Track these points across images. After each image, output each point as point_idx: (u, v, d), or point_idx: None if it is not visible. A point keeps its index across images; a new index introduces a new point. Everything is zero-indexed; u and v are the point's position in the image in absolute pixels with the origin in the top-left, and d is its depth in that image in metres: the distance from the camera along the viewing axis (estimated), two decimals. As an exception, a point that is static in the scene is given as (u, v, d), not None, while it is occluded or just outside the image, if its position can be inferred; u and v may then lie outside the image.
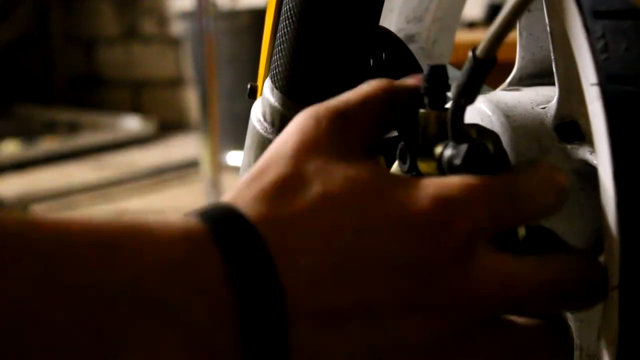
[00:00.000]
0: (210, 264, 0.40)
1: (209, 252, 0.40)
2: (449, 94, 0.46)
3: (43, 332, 0.37)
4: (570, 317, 0.56)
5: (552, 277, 0.45)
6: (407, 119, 0.48)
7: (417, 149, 0.48)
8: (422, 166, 0.48)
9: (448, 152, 0.45)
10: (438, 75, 0.47)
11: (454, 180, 0.44)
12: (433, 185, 0.44)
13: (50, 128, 3.74)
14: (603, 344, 0.48)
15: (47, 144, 3.50)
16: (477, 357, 0.44)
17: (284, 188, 0.43)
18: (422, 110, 0.47)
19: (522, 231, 0.47)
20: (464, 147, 0.45)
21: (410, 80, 0.49)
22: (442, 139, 0.47)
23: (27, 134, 3.57)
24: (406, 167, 0.49)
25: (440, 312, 0.43)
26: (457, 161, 0.45)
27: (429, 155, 0.47)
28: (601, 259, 0.52)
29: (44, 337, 0.37)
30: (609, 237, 0.47)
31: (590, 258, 0.47)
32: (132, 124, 3.71)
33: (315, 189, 0.43)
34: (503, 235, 0.46)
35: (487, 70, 0.45)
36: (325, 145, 0.44)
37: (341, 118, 0.46)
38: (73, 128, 3.75)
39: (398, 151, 0.50)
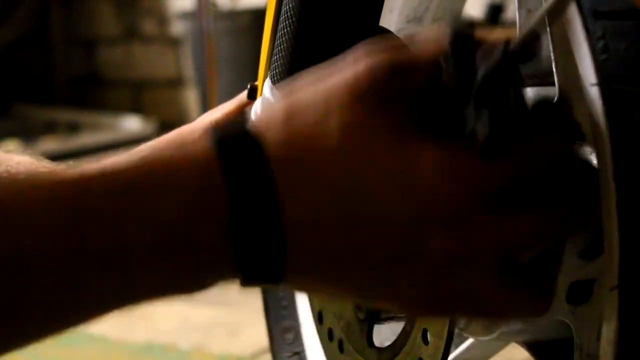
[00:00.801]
0: (219, 198, 0.44)
1: (218, 187, 0.44)
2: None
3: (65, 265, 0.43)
4: (570, 317, 0.56)
5: (541, 232, 0.47)
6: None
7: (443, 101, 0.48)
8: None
9: (471, 121, 0.46)
10: (464, 44, 0.47)
11: (457, 146, 0.46)
12: (440, 149, 0.45)
13: (50, 128, 3.73)
14: (603, 344, 0.48)
15: (47, 144, 3.49)
16: (470, 310, 0.47)
17: (314, 130, 0.45)
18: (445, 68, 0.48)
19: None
20: (485, 119, 0.45)
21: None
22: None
23: (27, 134, 3.56)
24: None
25: (427, 267, 0.45)
26: (481, 132, 0.45)
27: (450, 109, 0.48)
28: (600, 258, 0.52)
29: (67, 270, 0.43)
30: (609, 238, 0.47)
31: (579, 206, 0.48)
32: (132, 124, 3.71)
33: (340, 136, 0.45)
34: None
35: (517, 63, 0.46)
36: (365, 95, 0.46)
37: (391, 73, 0.47)
38: (73, 128, 3.75)
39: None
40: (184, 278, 0.46)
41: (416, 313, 0.49)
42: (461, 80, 0.47)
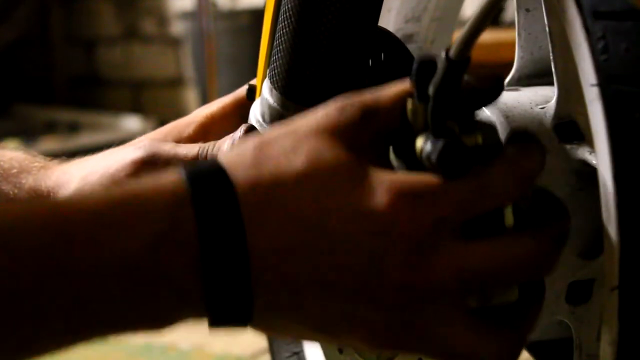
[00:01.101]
0: (188, 233, 0.44)
1: (189, 223, 0.44)
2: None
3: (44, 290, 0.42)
4: (570, 317, 0.56)
5: (504, 262, 0.46)
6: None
7: (409, 139, 0.49)
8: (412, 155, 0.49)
9: (427, 148, 0.46)
10: (425, 69, 0.47)
11: (416, 178, 0.46)
12: (400, 181, 0.46)
13: (50, 128, 3.74)
14: (603, 344, 0.48)
15: (47, 144, 3.49)
16: (430, 351, 0.47)
17: (280, 164, 0.46)
18: (409, 103, 0.48)
19: (509, 217, 0.48)
20: (440, 144, 0.45)
21: None
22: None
23: (27, 134, 3.56)
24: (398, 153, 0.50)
25: (387, 299, 0.45)
26: (433, 157, 0.46)
27: (416, 145, 0.48)
28: (601, 259, 0.52)
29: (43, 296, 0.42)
30: (608, 237, 0.46)
31: (545, 238, 0.47)
32: (132, 124, 3.71)
33: (304, 168, 0.46)
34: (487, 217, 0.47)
35: (461, 71, 0.46)
36: (336, 137, 0.47)
37: (366, 117, 0.48)
38: (73, 128, 3.75)
39: (392, 148, 0.50)
40: (151, 312, 0.45)
41: (380, 348, 0.48)
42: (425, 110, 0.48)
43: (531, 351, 0.62)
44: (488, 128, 0.48)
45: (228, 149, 0.63)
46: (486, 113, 0.55)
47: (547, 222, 0.48)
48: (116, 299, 0.44)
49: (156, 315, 0.46)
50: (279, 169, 0.46)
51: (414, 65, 0.48)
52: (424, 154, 0.47)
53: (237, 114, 0.71)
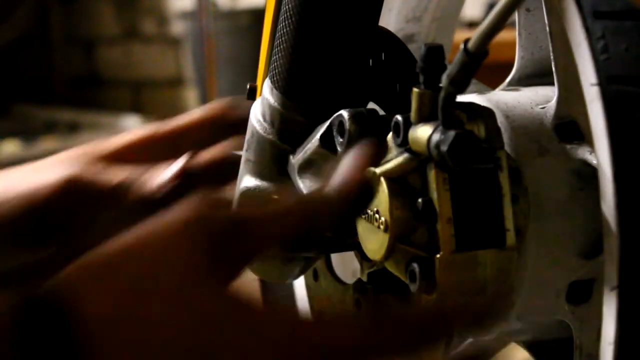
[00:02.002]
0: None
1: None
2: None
3: None
4: (569, 317, 0.56)
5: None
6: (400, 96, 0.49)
7: (410, 125, 0.49)
8: (413, 143, 0.48)
9: (436, 137, 0.46)
10: (434, 56, 0.48)
11: (167, 217, 0.44)
12: (155, 229, 0.44)
13: (50, 128, 3.73)
14: (603, 343, 0.48)
15: (47, 144, 3.49)
16: None
17: (127, 291, 0.42)
18: (416, 90, 0.48)
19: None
20: (451, 135, 0.45)
21: (334, 196, 0.48)
22: (434, 118, 0.47)
23: (27, 134, 3.56)
24: (399, 140, 0.50)
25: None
26: (444, 148, 0.45)
27: (419, 133, 0.48)
28: (601, 259, 0.52)
29: None
30: (608, 237, 0.46)
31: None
32: (132, 124, 3.71)
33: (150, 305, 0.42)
34: None
35: (478, 63, 0.46)
36: (191, 265, 0.43)
37: (232, 229, 0.45)
38: (73, 128, 3.75)
39: (392, 123, 0.51)
40: None
41: None
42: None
43: (531, 351, 0.62)
44: (488, 114, 0.49)
45: (155, 186, 0.60)
46: (483, 106, 0.56)
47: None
48: None
49: None
50: (122, 302, 0.42)
51: (422, 51, 0.48)
52: (432, 143, 0.47)
53: (200, 131, 0.67)
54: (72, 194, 0.62)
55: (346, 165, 0.49)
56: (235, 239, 0.45)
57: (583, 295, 0.56)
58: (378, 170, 0.50)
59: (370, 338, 0.44)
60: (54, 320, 0.41)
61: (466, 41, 0.46)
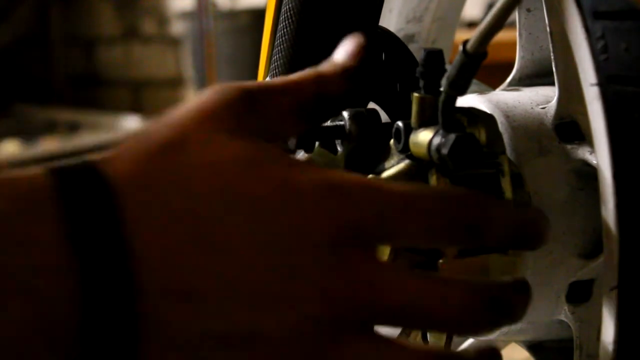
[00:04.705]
0: (48, 223, 0.36)
1: (48, 210, 0.37)
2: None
3: None
4: (569, 317, 0.56)
5: (417, 298, 0.40)
6: (394, 99, 0.49)
7: (411, 130, 0.49)
8: (414, 148, 0.48)
9: (437, 140, 0.46)
10: (433, 60, 0.48)
11: (353, 176, 0.41)
12: (322, 173, 0.41)
13: (50, 128, 3.74)
14: (602, 343, 0.48)
15: (47, 144, 3.49)
16: None
17: (163, 152, 0.40)
18: (416, 94, 0.48)
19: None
20: (452, 137, 0.45)
21: (341, 63, 0.46)
22: (435, 122, 0.47)
23: (27, 134, 3.56)
24: (400, 146, 0.50)
25: (300, 308, 0.39)
26: (444, 151, 0.46)
27: (420, 138, 0.48)
28: (601, 259, 0.52)
29: None
30: (608, 237, 0.47)
31: (455, 282, 0.41)
32: (132, 124, 3.71)
33: (194, 158, 0.40)
34: None
35: (477, 64, 0.46)
36: (220, 119, 0.42)
37: (248, 99, 0.43)
38: (73, 128, 3.75)
39: (393, 130, 0.51)
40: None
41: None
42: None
43: (531, 351, 0.62)
44: (489, 119, 0.49)
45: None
46: (484, 112, 0.56)
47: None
48: None
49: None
50: (164, 170, 0.39)
51: (422, 55, 0.48)
52: (432, 147, 0.47)
53: None
54: None
55: (345, 43, 0.47)
56: (260, 97, 0.43)
57: (583, 295, 0.56)
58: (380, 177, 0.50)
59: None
60: (94, 189, 0.38)
61: (465, 43, 0.46)
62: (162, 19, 3.89)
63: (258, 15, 2.99)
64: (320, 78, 0.46)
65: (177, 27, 3.67)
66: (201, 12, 2.61)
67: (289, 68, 0.61)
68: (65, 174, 0.38)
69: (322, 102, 0.45)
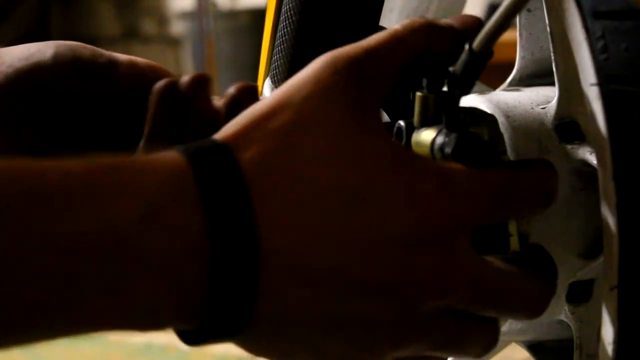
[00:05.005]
0: (190, 208, 0.39)
1: (190, 197, 0.39)
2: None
3: (11, 279, 0.36)
4: (570, 317, 0.56)
5: (511, 288, 0.46)
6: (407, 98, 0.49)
7: (413, 129, 0.49)
8: (416, 147, 0.48)
9: (440, 139, 0.46)
10: (437, 59, 0.48)
11: (459, 168, 0.44)
12: (440, 169, 0.44)
13: (50, 128, 3.73)
14: (602, 343, 0.48)
15: (47, 144, 3.48)
16: (431, 344, 0.44)
17: (288, 136, 0.42)
18: (419, 94, 0.48)
19: (514, 242, 0.49)
20: (455, 137, 0.46)
21: (455, 24, 0.47)
22: (438, 122, 0.47)
23: (27, 133, 3.56)
24: (402, 144, 0.50)
25: (413, 296, 0.42)
26: (448, 150, 0.46)
27: (423, 137, 0.48)
28: (601, 259, 0.52)
29: (12, 284, 0.36)
30: (608, 237, 0.47)
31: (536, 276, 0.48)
32: (132, 124, 3.70)
33: (323, 145, 0.42)
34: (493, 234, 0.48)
35: (482, 64, 0.46)
36: (339, 101, 0.43)
37: (360, 70, 0.44)
38: (73, 128, 3.75)
39: (395, 129, 0.51)
40: (134, 303, 0.39)
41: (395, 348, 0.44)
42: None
43: (531, 351, 0.62)
44: (491, 120, 0.49)
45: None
46: (487, 112, 0.56)
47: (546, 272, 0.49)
48: (93, 276, 0.37)
49: (140, 304, 0.39)
50: (292, 145, 0.41)
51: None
52: (435, 146, 0.47)
53: None
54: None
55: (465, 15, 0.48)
56: (371, 62, 0.44)
57: (583, 295, 0.56)
58: None
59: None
60: (221, 158, 0.40)
61: (471, 41, 0.46)
62: (162, 19, 3.89)
63: (258, 15, 2.99)
64: (433, 33, 0.46)
65: (177, 27, 3.67)
66: (201, 12, 2.61)
67: (289, 68, 0.61)
68: (202, 163, 0.40)
69: (428, 59, 0.47)
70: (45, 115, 0.53)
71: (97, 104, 0.53)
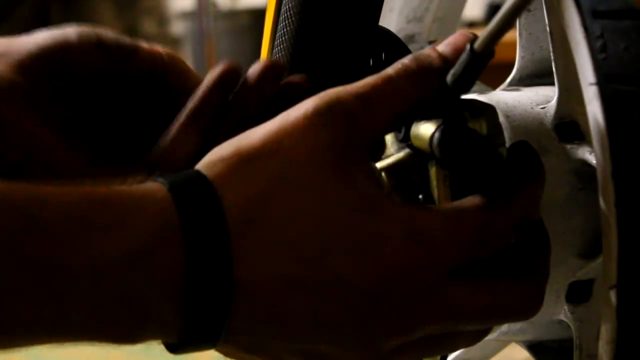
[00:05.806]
0: (174, 248, 0.42)
1: (175, 238, 0.42)
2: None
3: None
4: (569, 317, 0.56)
5: (494, 304, 0.46)
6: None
7: (412, 123, 0.49)
8: (415, 139, 0.49)
9: (438, 135, 0.46)
10: None
11: (432, 215, 0.45)
12: (411, 217, 0.44)
13: (50, 128, 3.74)
14: (602, 342, 0.48)
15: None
16: None
17: (271, 183, 0.43)
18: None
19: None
20: (441, 129, 0.46)
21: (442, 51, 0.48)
22: (437, 115, 0.47)
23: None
24: (401, 135, 0.50)
25: (379, 336, 0.44)
26: (435, 142, 0.46)
27: (422, 131, 0.48)
28: (600, 258, 0.52)
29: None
30: (607, 237, 0.47)
31: (529, 285, 0.47)
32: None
33: (302, 197, 0.43)
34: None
35: (483, 64, 0.46)
36: (325, 156, 0.44)
37: (352, 122, 0.45)
38: (73, 128, 3.75)
39: None
40: (116, 323, 0.44)
41: None
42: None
43: (531, 351, 0.62)
44: (490, 111, 0.49)
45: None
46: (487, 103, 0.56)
47: (537, 261, 0.48)
48: (82, 297, 0.41)
49: (121, 328, 0.45)
50: (273, 195, 0.43)
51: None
52: (434, 141, 0.47)
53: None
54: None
55: (450, 37, 0.48)
56: (366, 113, 0.45)
57: (583, 295, 0.56)
58: (379, 165, 0.50)
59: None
60: (206, 202, 0.42)
61: (472, 41, 0.46)
62: (162, 19, 3.89)
63: (258, 15, 2.99)
64: (425, 80, 0.47)
65: (177, 27, 3.68)
66: (201, 12, 2.61)
67: (289, 68, 0.61)
68: (187, 206, 0.42)
69: (420, 105, 0.47)
70: (72, 94, 0.53)
71: (120, 85, 0.54)
